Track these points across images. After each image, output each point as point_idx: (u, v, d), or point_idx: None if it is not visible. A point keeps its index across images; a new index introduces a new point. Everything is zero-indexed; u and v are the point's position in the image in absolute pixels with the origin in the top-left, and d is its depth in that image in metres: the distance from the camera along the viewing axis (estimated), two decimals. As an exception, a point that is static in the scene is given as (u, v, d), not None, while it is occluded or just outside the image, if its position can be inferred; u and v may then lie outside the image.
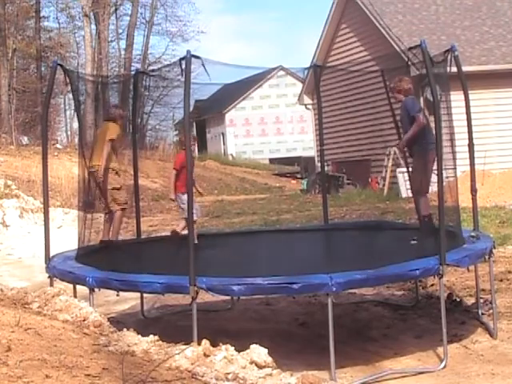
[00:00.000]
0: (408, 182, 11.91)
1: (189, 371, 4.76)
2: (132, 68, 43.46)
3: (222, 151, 50.07)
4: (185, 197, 9.27)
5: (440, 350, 7.00)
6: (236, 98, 50.96)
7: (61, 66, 8.51)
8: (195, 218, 8.92)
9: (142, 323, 8.56)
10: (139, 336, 5.33)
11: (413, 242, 8.23)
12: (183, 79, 6.71)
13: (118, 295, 7.58)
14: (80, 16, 43.14)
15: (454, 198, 7.82)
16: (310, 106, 29.14)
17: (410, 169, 8.64)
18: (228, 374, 4.80)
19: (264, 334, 7.72)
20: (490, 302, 8.10)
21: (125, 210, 8.05)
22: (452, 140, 7.94)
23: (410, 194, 10.48)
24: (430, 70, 7.15)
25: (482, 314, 8.22)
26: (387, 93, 9.87)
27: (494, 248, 8.19)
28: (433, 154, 7.62)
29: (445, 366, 6.77)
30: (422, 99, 21.60)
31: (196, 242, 9.09)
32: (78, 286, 7.54)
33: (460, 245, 7.48)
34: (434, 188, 7.37)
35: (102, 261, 7.96)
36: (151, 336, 5.31)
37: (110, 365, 4.48)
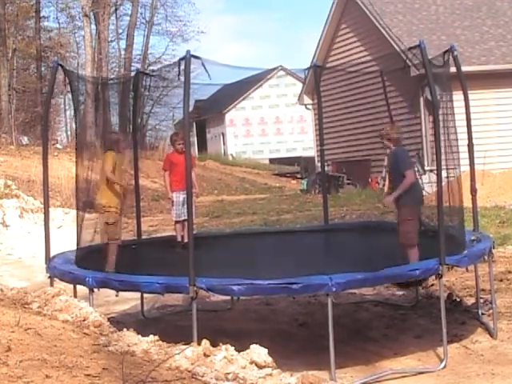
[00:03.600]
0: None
1: (189, 371, 4.76)
2: (132, 68, 43.45)
3: (222, 151, 50.05)
4: (174, 194, 9.28)
5: (440, 349, 7.00)
6: (236, 98, 50.93)
7: (61, 66, 8.51)
8: (184, 218, 8.91)
9: (142, 323, 8.55)
10: (139, 336, 5.33)
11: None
12: (183, 79, 6.72)
13: (117, 295, 7.59)
14: (80, 16, 43.13)
15: (457, 201, 7.81)
16: (309, 106, 29.13)
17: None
18: (228, 373, 4.80)
19: (264, 334, 7.72)
20: (490, 302, 8.10)
21: (118, 245, 7.94)
22: (452, 140, 7.93)
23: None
24: (429, 70, 7.15)
25: (482, 313, 8.22)
26: (385, 93, 9.89)
27: (494, 248, 8.19)
28: (417, 207, 7.67)
29: (445, 366, 6.78)
30: (421, 99, 21.66)
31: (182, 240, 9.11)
32: (78, 286, 7.54)
33: (461, 251, 7.43)
34: (433, 188, 7.38)
35: (102, 263, 7.95)
36: (151, 336, 5.31)
37: (110, 365, 4.48)
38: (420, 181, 14.21)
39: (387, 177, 8.64)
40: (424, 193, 13.41)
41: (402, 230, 7.51)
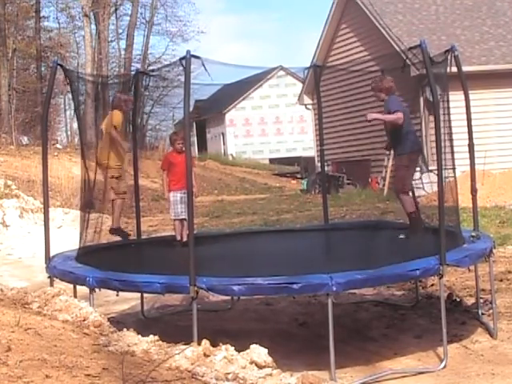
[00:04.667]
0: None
1: (189, 371, 4.76)
2: (132, 68, 43.46)
3: (222, 151, 50.07)
4: (171, 194, 9.29)
5: (440, 349, 7.00)
6: (236, 98, 50.96)
7: (61, 66, 8.51)
8: (183, 217, 8.92)
9: (142, 323, 8.55)
10: (139, 336, 5.32)
11: (401, 237, 8.25)
12: (183, 79, 6.72)
13: (117, 295, 7.58)
14: (80, 16, 43.18)
15: (454, 198, 7.82)
16: (310, 106, 29.15)
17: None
18: (228, 373, 4.80)
19: (264, 334, 7.72)
20: (490, 302, 8.10)
21: (124, 200, 8.01)
22: (451, 140, 7.93)
23: (411, 194, 10.48)
24: (430, 70, 7.15)
25: (482, 313, 8.22)
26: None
27: (494, 248, 8.18)
28: (416, 155, 7.63)
29: (445, 366, 6.77)
30: (421, 99, 21.66)
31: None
32: (78, 286, 7.54)
33: (460, 244, 7.48)
34: (434, 188, 7.38)
35: (103, 261, 7.96)
36: (151, 336, 5.31)
37: (110, 365, 4.48)
38: (419, 181, 14.21)
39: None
40: (424, 193, 13.45)
41: (396, 176, 7.50)
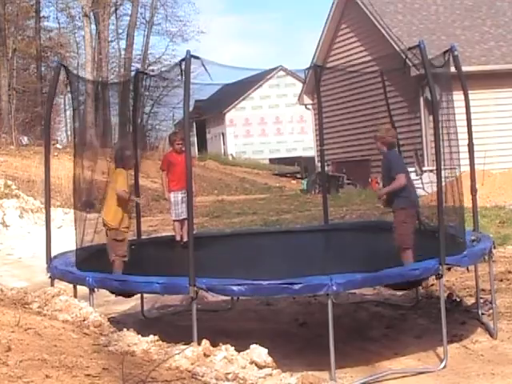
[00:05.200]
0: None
1: (189, 371, 4.76)
2: (132, 68, 43.46)
3: (222, 151, 50.06)
4: (172, 194, 9.31)
5: (440, 349, 7.00)
6: (236, 98, 50.93)
7: (63, 66, 8.50)
8: (183, 217, 8.91)
9: (142, 323, 8.56)
10: (139, 336, 5.33)
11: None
12: (183, 79, 6.72)
13: (116, 296, 7.58)
14: (80, 16, 43.12)
15: (458, 201, 7.81)
16: (309, 106, 29.15)
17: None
18: (228, 373, 4.80)
19: (264, 333, 7.73)
20: (490, 302, 8.10)
21: (124, 262, 7.92)
22: (452, 140, 7.93)
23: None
24: (429, 71, 7.15)
25: (482, 314, 8.22)
26: (385, 93, 9.89)
27: (494, 248, 8.18)
28: (413, 210, 7.66)
29: (445, 366, 6.77)
30: (421, 99, 21.66)
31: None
32: (78, 286, 7.54)
33: (461, 250, 7.43)
34: (433, 188, 7.37)
35: (102, 263, 7.94)
36: (151, 336, 5.31)
37: (110, 365, 4.48)
38: (419, 181, 14.22)
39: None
40: (424, 193, 13.46)
41: (397, 233, 7.52)
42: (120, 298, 8.42)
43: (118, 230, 7.86)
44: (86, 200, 8.94)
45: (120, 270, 7.65)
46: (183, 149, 8.55)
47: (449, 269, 7.41)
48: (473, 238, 8.00)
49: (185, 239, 8.60)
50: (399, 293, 9.82)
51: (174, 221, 9.47)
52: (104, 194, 8.69)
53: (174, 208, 9.44)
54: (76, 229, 8.43)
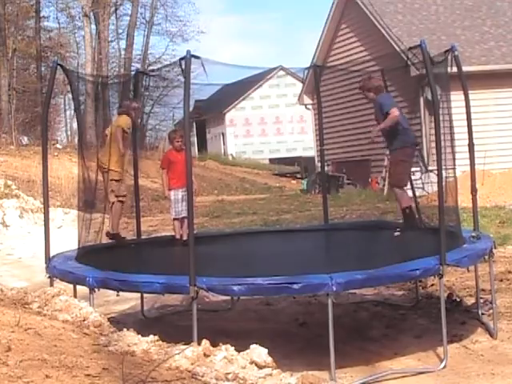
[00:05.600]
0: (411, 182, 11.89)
1: (189, 371, 4.76)
2: (132, 68, 43.47)
3: (222, 151, 50.09)
4: (172, 192, 9.32)
5: (440, 349, 7.00)
6: (236, 98, 50.96)
7: (61, 66, 8.51)
8: (183, 215, 8.93)
9: (142, 323, 8.56)
10: (139, 336, 5.32)
11: (396, 234, 8.23)
12: (183, 79, 6.72)
13: (118, 295, 7.58)
14: (80, 16, 43.18)
15: (454, 198, 7.82)
16: (309, 106, 29.15)
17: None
18: (228, 373, 4.80)
19: (264, 333, 7.72)
20: (490, 302, 8.10)
21: (123, 203, 8.02)
22: (452, 140, 7.93)
23: (411, 194, 10.48)
24: (430, 70, 7.15)
25: (482, 314, 8.22)
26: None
27: (495, 248, 8.18)
28: (411, 150, 7.59)
29: (445, 366, 6.77)
30: (421, 99, 21.66)
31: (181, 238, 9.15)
32: (78, 286, 7.54)
33: (460, 244, 7.48)
34: (434, 188, 7.38)
35: (102, 261, 7.96)
36: (151, 336, 5.31)
37: (110, 365, 4.48)
38: (420, 180, 14.21)
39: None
40: (424, 193, 13.46)
41: (393, 171, 7.48)
42: (120, 297, 8.42)
43: (114, 171, 7.88)
44: (87, 200, 8.96)
45: (118, 214, 7.63)
46: (183, 146, 8.55)
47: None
48: (473, 234, 8.01)
49: (184, 238, 8.60)
50: (399, 293, 9.83)
51: (174, 219, 9.48)
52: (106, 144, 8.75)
53: (174, 206, 9.44)
54: (78, 229, 8.46)
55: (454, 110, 8.16)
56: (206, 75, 7.06)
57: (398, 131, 7.53)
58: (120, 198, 7.80)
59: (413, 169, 10.78)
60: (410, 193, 8.68)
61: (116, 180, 7.84)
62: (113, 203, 7.81)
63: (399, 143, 7.54)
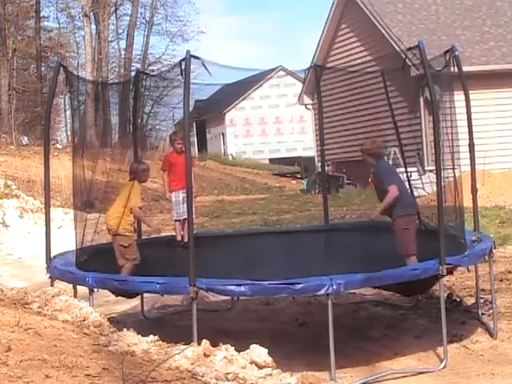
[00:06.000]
0: (407, 182, 11.91)
1: (189, 371, 4.76)
2: (132, 68, 43.47)
3: (222, 151, 50.08)
4: (173, 194, 9.32)
5: (440, 349, 7.00)
6: (236, 98, 50.95)
7: (63, 66, 8.50)
8: (185, 217, 8.92)
9: (142, 323, 8.56)
10: (139, 336, 5.33)
11: None
12: (183, 79, 6.72)
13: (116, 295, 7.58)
14: (80, 16, 43.15)
15: (458, 199, 7.81)
16: (309, 106, 29.14)
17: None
18: (228, 373, 4.80)
19: (264, 333, 7.72)
20: (490, 302, 8.10)
21: (135, 265, 7.89)
22: (452, 140, 7.93)
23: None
24: (428, 71, 7.15)
25: (482, 314, 8.22)
26: (387, 93, 9.88)
27: (494, 248, 8.18)
28: (411, 216, 7.66)
29: (445, 366, 6.77)
30: (421, 99, 21.66)
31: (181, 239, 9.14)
32: (78, 286, 7.54)
33: (462, 251, 7.42)
34: (433, 188, 7.37)
35: (102, 261, 7.95)
36: (151, 336, 5.31)
37: (110, 365, 4.48)
38: (419, 181, 14.23)
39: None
40: (424, 193, 13.45)
41: (399, 241, 7.53)
42: (120, 298, 8.42)
43: (123, 236, 7.87)
44: (85, 200, 8.95)
45: (130, 272, 7.60)
46: (183, 148, 8.54)
47: (451, 272, 7.40)
48: (473, 238, 7.99)
49: (185, 239, 8.60)
50: (399, 293, 9.83)
51: (175, 221, 9.47)
52: (106, 196, 8.63)
53: (175, 208, 9.44)
54: (76, 229, 8.44)
55: (455, 110, 8.16)
56: (210, 74, 7.06)
57: (397, 201, 7.57)
58: (132, 262, 7.71)
59: (410, 169, 10.80)
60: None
61: (124, 246, 7.78)
62: (122, 266, 7.75)
63: (399, 211, 7.58)
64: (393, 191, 7.52)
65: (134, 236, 8.14)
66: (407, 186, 8.50)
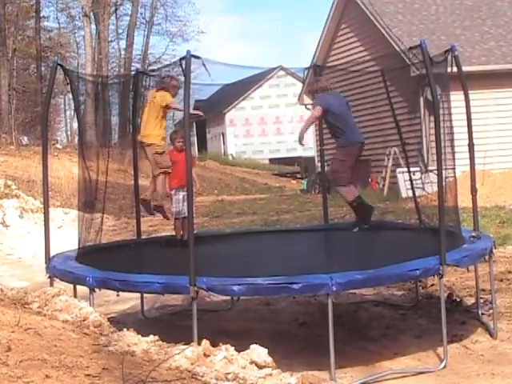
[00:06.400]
0: (408, 182, 11.94)
1: (189, 371, 4.76)
2: (132, 68, 43.47)
3: (222, 151, 50.10)
4: (173, 192, 9.33)
5: (440, 349, 7.00)
6: (236, 98, 50.97)
7: (61, 65, 8.51)
8: (184, 215, 8.94)
9: (142, 323, 8.56)
10: (139, 336, 5.32)
11: (354, 230, 8.27)
12: (183, 79, 6.72)
13: (118, 295, 7.58)
14: (80, 16, 43.16)
15: (454, 198, 7.82)
16: (309, 106, 29.14)
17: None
18: (228, 373, 4.80)
19: (264, 333, 7.72)
20: (490, 302, 8.10)
21: (167, 174, 8.34)
22: (452, 140, 7.94)
23: (411, 194, 10.49)
24: (430, 71, 7.15)
25: (482, 314, 8.22)
26: (388, 93, 9.89)
27: (495, 248, 8.18)
28: (352, 149, 7.69)
29: (445, 366, 6.77)
30: (421, 99, 21.66)
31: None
32: (78, 286, 7.54)
33: (460, 245, 7.48)
34: (434, 188, 7.40)
35: (102, 261, 7.96)
36: (151, 336, 5.31)
37: (110, 365, 4.48)
38: (420, 180, 14.24)
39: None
40: (423, 192, 13.46)
41: (331, 168, 7.65)
42: (120, 297, 8.42)
43: (157, 145, 8.08)
44: (86, 200, 8.97)
45: (163, 186, 7.80)
46: (184, 147, 8.57)
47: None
48: (473, 234, 8.01)
49: (185, 237, 8.60)
50: (399, 293, 9.83)
51: (175, 219, 9.47)
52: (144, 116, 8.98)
53: (174, 206, 9.44)
54: (78, 229, 8.48)
55: (454, 110, 8.17)
56: (209, 75, 7.07)
57: (339, 131, 7.68)
58: (165, 169, 8.14)
59: (412, 169, 10.81)
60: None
61: (160, 153, 8.19)
62: (157, 175, 8.13)
63: (340, 142, 7.71)
64: (313, 114, 7.65)
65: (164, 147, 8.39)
66: (356, 127, 8.50)
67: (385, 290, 9.78)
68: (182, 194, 9.04)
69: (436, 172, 7.21)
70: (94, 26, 41.99)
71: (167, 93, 8.95)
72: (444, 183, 7.44)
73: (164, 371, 4.65)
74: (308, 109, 29.73)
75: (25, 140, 33.61)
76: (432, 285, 9.49)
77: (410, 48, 7.95)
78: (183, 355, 4.92)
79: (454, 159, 7.90)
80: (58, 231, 14.25)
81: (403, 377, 6.65)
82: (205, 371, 4.75)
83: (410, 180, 10.21)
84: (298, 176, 35.58)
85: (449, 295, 8.91)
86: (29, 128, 40.20)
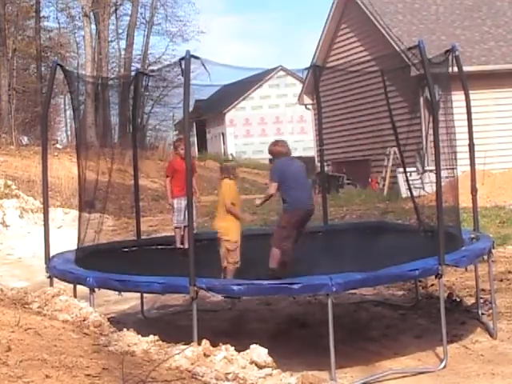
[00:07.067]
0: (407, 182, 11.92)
1: (189, 371, 4.76)
2: (132, 68, 43.44)
3: (222, 151, 50.06)
4: (175, 200, 9.31)
5: (440, 349, 7.00)
6: (236, 98, 50.92)
7: (60, 66, 8.51)
8: (185, 225, 8.90)
9: (142, 323, 8.56)
10: (139, 336, 5.33)
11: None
12: (183, 79, 6.72)
13: (120, 295, 7.56)
14: (80, 16, 43.11)
15: (454, 198, 7.83)
16: (309, 106, 29.14)
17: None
18: (228, 374, 4.80)
19: (264, 334, 7.73)
20: (490, 302, 8.10)
21: (236, 268, 8.04)
22: (452, 140, 7.94)
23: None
24: (428, 71, 7.15)
25: (482, 314, 8.22)
26: (386, 93, 9.89)
27: (494, 248, 8.18)
28: (294, 217, 7.84)
29: (445, 366, 6.77)
30: (421, 99, 21.66)
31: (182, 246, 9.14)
32: (78, 286, 7.54)
33: (459, 245, 7.47)
34: (434, 188, 7.40)
35: (102, 261, 7.96)
36: (151, 336, 5.31)
37: (110, 365, 4.48)
38: (419, 180, 14.27)
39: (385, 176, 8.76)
40: (423, 192, 13.46)
41: (274, 232, 7.82)
42: (120, 297, 8.41)
43: (230, 242, 8.01)
44: (87, 200, 8.97)
45: (231, 276, 7.70)
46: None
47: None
48: (472, 236, 8.01)
49: (186, 246, 8.58)
50: (399, 293, 9.83)
51: (176, 227, 9.44)
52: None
53: (176, 214, 9.41)
54: (78, 228, 8.48)
55: (455, 110, 8.16)
56: (209, 74, 7.06)
57: (286, 197, 7.93)
58: (233, 265, 7.88)
59: (409, 169, 10.83)
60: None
61: (232, 250, 7.99)
62: (225, 267, 7.93)
63: (286, 208, 7.95)
64: (269, 189, 7.88)
65: (239, 241, 8.23)
66: (307, 186, 8.62)
67: (385, 290, 9.79)
68: (183, 203, 9.02)
69: (435, 172, 7.21)
70: (94, 26, 41.98)
71: (228, 183, 8.65)
72: (443, 183, 7.43)
73: (164, 371, 4.66)
74: (308, 109, 29.76)
75: (25, 140, 33.59)
76: (432, 285, 9.49)
77: (409, 48, 7.96)
78: (183, 355, 4.92)
79: (455, 159, 7.89)
80: (57, 231, 14.24)
81: (403, 377, 6.66)
82: (205, 371, 4.75)
83: (407, 181, 10.22)
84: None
85: (449, 295, 8.91)
86: (29, 128, 40.17)
